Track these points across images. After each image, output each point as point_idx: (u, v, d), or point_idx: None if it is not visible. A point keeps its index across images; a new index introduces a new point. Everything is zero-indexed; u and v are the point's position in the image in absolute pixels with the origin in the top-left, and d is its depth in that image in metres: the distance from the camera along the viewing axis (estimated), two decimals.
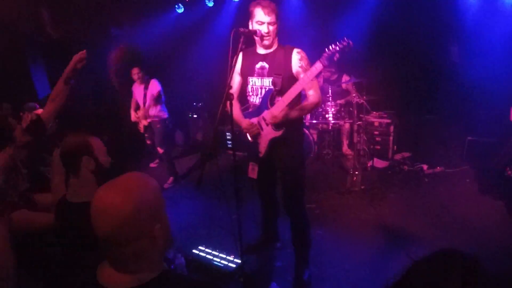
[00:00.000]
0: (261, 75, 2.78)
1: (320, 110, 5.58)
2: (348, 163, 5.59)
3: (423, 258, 0.87)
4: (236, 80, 2.90)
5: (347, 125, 5.85)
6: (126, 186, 1.11)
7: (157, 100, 5.28)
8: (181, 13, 7.12)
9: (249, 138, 2.89)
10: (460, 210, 4.01)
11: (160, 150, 5.42)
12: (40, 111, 2.49)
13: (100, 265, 1.15)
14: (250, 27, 2.68)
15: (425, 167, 5.24)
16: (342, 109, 5.60)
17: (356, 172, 4.90)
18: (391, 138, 5.72)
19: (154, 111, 5.35)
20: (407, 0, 5.61)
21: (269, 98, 2.73)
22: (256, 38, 2.68)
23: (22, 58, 6.24)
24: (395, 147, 5.81)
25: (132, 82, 5.50)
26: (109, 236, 1.05)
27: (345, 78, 5.85)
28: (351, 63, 5.69)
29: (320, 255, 3.26)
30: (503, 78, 3.60)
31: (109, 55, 6.80)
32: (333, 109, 5.53)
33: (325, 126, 5.73)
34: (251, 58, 2.81)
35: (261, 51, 2.79)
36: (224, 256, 3.13)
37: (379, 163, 5.58)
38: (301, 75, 2.61)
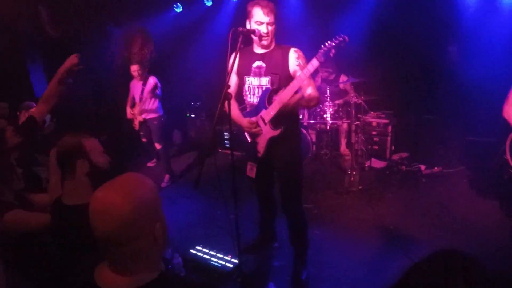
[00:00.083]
0: (258, 74, 2.78)
1: (318, 110, 5.58)
2: (346, 163, 5.59)
3: (423, 259, 0.87)
4: (233, 79, 2.90)
5: (345, 125, 5.85)
6: (125, 186, 1.11)
7: (153, 91, 5.26)
8: (179, 12, 7.12)
9: (248, 138, 2.89)
10: (458, 210, 4.01)
11: (158, 146, 5.41)
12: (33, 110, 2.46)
13: (98, 267, 1.14)
14: (248, 27, 2.68)
15: (423, 167, 5.24)
16: (340, 109, 5.60)
17: (354, 172, 4.89)
18: (389, 138, 5.72)
19: (150, 105, 5.34)
20: (406, 0, 5.61)
21: (267, 97, 2.73)
22: (255, 37, 2.68)
23: (20, 57, 6.22)
24: (393, 147, 5.81)
25: (130, 78, 5.50)
26: (109, 236, 1.05)
27: (342, 78, 5.84)
28: (349, 63, 5.69)
29: (318, 255, 3.26)
30: (502, 78, 3.60)
31: (126, 42, 6.56)
32: (331, 109, 5.52)
33: (323, 126, 5.72)
34: (248, 57, 2.81)
35: (258, 50, 2.78)
36: (221, 256, 3.13)
37: (377, 163, 5.58)
38: (298, 73, 2.61)
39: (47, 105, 2.36)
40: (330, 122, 5.54)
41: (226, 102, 2.30)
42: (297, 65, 2.67)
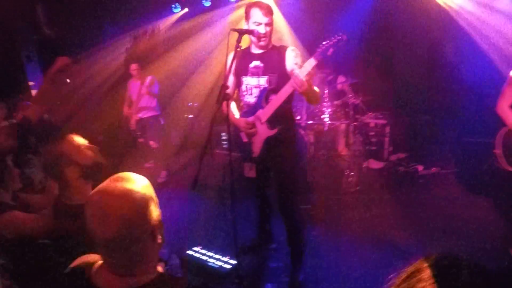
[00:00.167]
0: (255, 74, 2.78)
1: (316, 111, 5.57)
2: (343, 164, 5.59)
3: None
4: (231, 80, 2.89)
5: (343, 126, 5.85)
6: (120, 187, 1.09)
7: (150, 87, 5.25)
8: (178, 12, 7.11)
9: (244, 138, 2.88)
10: (456, 211, 4.02)
11: (154, 145, 5.40)
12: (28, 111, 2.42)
13: (95, 267, 1.13)
14: (246, 28, 2.68)
15: (420, 168, 5.25)
16: (338, 110, 5.60)
17: (352, 173, 4.90)
18: (386, 139, 5.72)
19: (147, 102, 5.32)
20: (403, 1, 5.61)
21: (264, 97, 2.73)
22: (253, 38, 2.68)
23: (16, 56, 6.20)
24: (391, 148, 5.82)
25: (128, 77, 5.49)
26: (112, 241, 1.03)
27: (340, 79, 5.84)
28: (347, 64, 5.69)
29: (315, 256, 3.26)
30: (500, 79, 3.60)
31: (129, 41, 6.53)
32: (329, 110, 5.52)
33: (321, 127, 5.72)
34: (245, 57, 2.81)
35: (255, 50, 2.79)
36: (219, 257, 3.12)
37: (374, 164, 5.58)
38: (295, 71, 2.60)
39: (41, 106, 2.33)
40: (328, 123, 5.54)
41: (224, 102, 2.30)
42: (294, 64, 2.66)
